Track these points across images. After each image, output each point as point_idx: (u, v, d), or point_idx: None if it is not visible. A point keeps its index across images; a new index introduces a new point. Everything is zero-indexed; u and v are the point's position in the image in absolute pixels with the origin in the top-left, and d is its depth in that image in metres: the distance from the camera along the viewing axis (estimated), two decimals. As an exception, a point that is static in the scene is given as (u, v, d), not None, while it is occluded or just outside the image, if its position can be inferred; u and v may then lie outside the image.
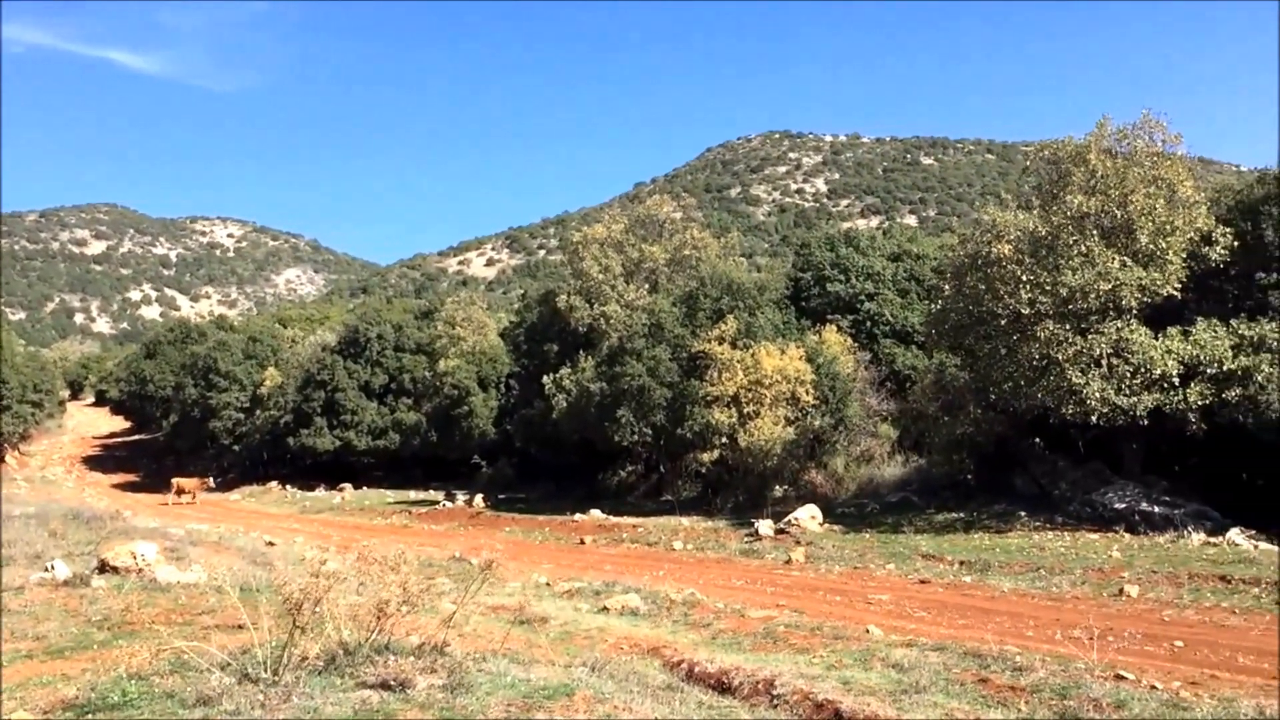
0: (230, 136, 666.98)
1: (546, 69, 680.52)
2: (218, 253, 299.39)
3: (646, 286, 40.51)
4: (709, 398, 29.93)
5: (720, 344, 30.80)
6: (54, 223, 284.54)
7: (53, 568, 13.73)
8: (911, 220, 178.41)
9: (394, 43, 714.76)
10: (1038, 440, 27.40)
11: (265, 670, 7.07)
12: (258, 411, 59.97)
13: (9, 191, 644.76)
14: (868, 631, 11.82)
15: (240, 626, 8.96)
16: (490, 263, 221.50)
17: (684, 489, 33.38)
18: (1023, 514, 23.61)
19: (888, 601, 15.03)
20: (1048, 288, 23.14)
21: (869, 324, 36.45)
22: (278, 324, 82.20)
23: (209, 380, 63.03)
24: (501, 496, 39.94)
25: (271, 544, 23.62)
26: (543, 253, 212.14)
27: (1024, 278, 23.44)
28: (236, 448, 61.29)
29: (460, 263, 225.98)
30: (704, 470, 31.80)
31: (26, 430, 67.44)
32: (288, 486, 51.51)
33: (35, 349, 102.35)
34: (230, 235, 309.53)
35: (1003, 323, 24.24)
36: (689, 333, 32.37)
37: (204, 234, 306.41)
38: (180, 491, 49.29)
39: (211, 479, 52.22)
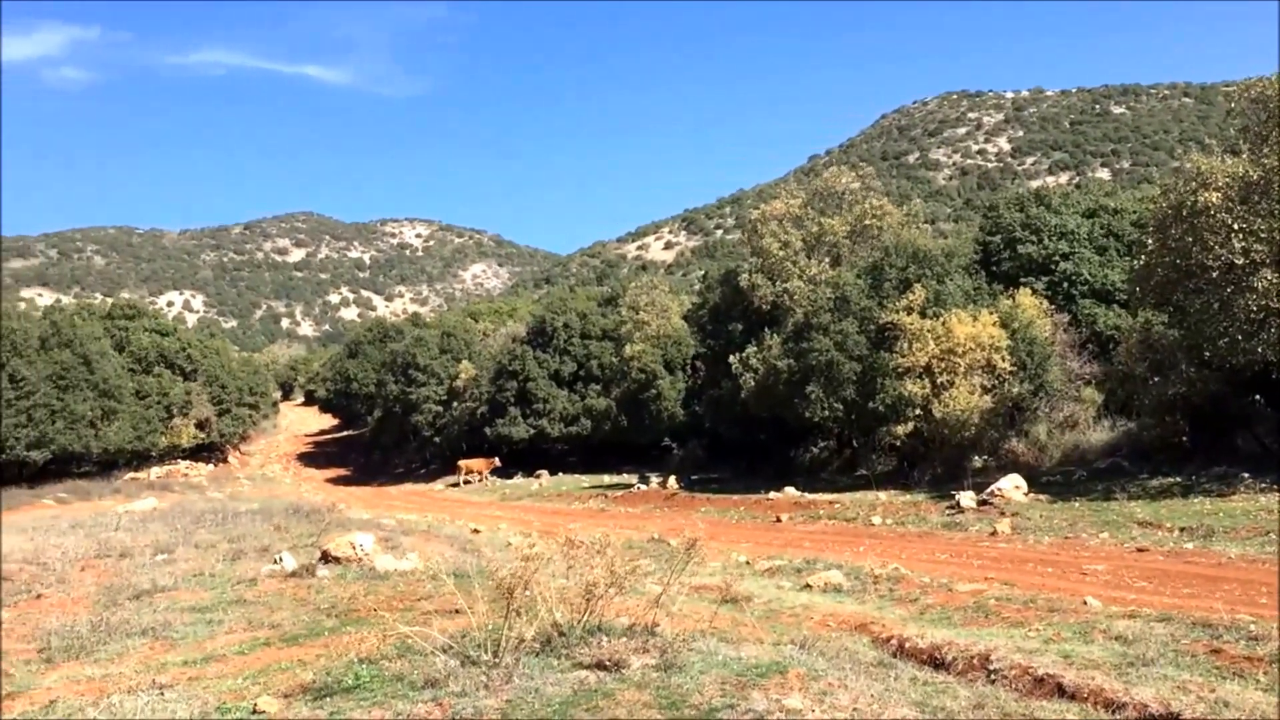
0: (413, 140, 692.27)
1: (714, 47, 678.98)
2: (407, 253, 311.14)
3: (828, 260, 39.93)
4: (900, 369, 29.33)
5: (909, 314, 30.11)
6: (257, 234, 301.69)
7: (280, 560, 14.57)
8: (1104, 174, 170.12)
9: (564, 36, 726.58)
10: (1258, 397, 25.81)
11: (485, 652, 7.35)
12: (455, 404, 61.77)
13: (220, 206, 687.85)
14: (1085, 603, 11.39)
15: (457, 611, 9.32)
16: (668, 246, 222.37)
17: (878, 463, 32.83)
18: (1246, 476, 22.22)
19: (1104, 572, 14.42)
20: (1263, 235, 21.68)
21: (1066, 285, 34.95)
22: (469, 318, 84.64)
23: (408, 376, 65.35)
24: (694, 477, 40.13)
25: (477, 531, 24.41)
26: (720, 233, 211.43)
27: (1236, 226, 22.00)
28: (437, 439, 63.29)
29: (639, 248, 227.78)
30: (898, 443, 31.12)
31: (245, 431, 71.49)
32: (487, 475, 52.99)
33: (248, 354, 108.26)
34: (418, 235, 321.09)
35: (1214, 275, 22.79)
36: (875, 304, 31.77)
37: (394, 235, 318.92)
38: (469, 473, 51.18)
39: (497, 459, 52.58)
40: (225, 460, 66.89)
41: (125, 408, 50.37)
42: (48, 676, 8.77)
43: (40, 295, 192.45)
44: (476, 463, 51.80)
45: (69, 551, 16.98)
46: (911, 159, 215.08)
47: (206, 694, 7.50)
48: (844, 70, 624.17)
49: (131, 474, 51.64)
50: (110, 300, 77.46)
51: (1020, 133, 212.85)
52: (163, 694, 7.45)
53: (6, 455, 43.54)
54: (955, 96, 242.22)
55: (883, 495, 27.28)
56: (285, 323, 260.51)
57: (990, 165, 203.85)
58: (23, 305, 63.86)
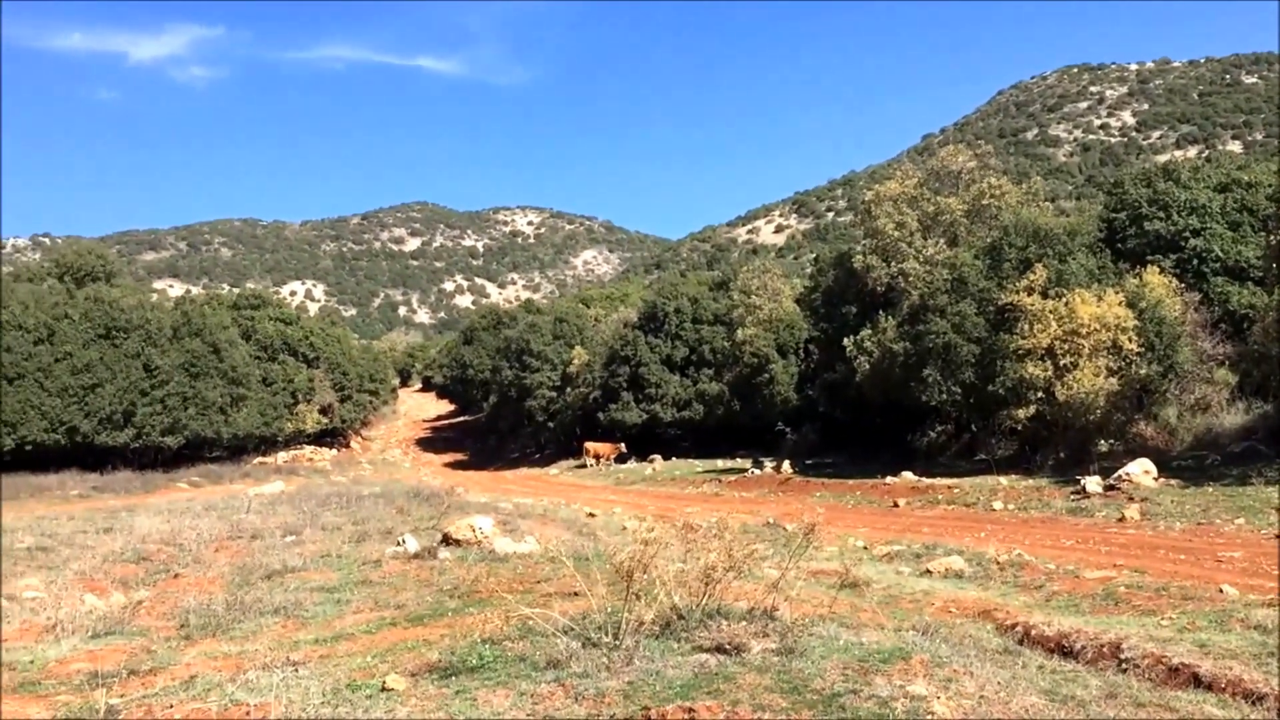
0: (523, 128, 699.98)
1: (822, 27, 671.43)
2: (519, 240, 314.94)
3: (944, 241, 39.12)
4: (1020, 351, 28.60)
5: (1029, 294, 29.31)
6: (375, 224, 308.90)
7: (404, 542, 14.92)
8: (1236, 147, 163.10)
9: (672, 22, 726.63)
10: None
11: (606, 634, 7.41)
12: (568, 389, 62.31)
13: (339, 197, 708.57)
14: (1221, 591, 10.98)
15: (576, 593, 9.42)
16: (779, 229, 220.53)
17: (999, 447, 32.10)
18: (1393, 460, 21.17)
19: (1241, 559, 13.88)
20: None
21: (1196, 262, 33.60)
22: (581, 304, 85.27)
23: (522, 361, 66.14)
24: (808, 462, 39.79)
25: (592, 515, 24.58)
26: (831, 215, 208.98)
27: (1382, 197, 20.97)
28: (551, 424, 63.96)
29: (749, 231, 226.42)
30: (1019, 427, 30.35)
31: (366, 417, 73.18)
32: (611, 459, 53.14)
33: (367, 342, 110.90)
34: (530, 222, 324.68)
35: (1358, 249, 21.77)
36: (994, 285, 31.03)
37: (505, 223, 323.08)
38: (596, 456, 51.83)
39: (622, 444, 52.66)
40: (347, 445, 68.64)
41: (253, 394, 52.07)
42: (187, 653, 9.13)
43: (171, 286, 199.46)
44: (602, 447, 52.15)
45: (203, 533, 17.65)
46: (1030, 136, 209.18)
47: (337, 671, 7.72)
48: (958, 46, 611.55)
49: (259, 458, 53.39)
50: (237, 290, 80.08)
51: (1145, 106, 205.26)
52: (296, 671, 7.69)
53: (144, 441, 45.45)
54: (1076, 70, 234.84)
55: (1003, 480, 26.68)
56: (402, 310, 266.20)
57: (1113, 140, 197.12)
58: (155, 296, 66.29)
